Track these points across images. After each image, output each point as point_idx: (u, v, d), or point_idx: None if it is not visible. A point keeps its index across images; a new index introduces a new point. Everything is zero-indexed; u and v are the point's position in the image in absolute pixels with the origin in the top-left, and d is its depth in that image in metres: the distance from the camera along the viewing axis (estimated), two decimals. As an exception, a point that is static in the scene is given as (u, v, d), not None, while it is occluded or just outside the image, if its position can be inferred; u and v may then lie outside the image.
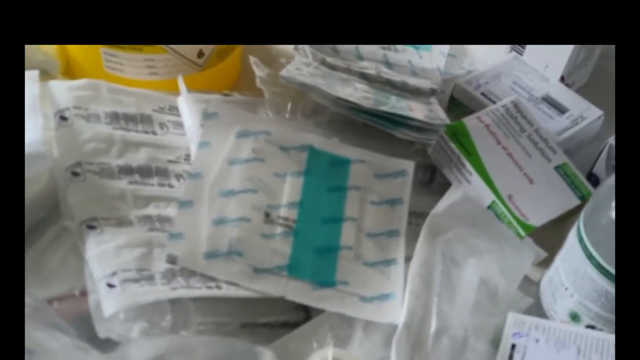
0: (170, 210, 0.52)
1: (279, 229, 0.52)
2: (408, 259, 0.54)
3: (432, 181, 0.63)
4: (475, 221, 0.56)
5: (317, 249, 0.52)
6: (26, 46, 0.63)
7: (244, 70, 0.69)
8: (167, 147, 0.57)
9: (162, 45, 0.61)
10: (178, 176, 0.55)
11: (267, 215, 0.53)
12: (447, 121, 0.61)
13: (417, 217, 0.58)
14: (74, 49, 0.64)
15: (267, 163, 0.55)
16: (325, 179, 0.56)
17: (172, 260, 0.48)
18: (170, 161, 0.56)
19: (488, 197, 0.58)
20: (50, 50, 0.65)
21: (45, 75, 0.65)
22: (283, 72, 0.60)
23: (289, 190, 0.54)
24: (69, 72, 0.67)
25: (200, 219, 0.51)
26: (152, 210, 0.52)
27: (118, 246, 0.47)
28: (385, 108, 0.59)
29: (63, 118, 0.54)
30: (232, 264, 0.49)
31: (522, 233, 0.57)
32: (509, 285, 0.54)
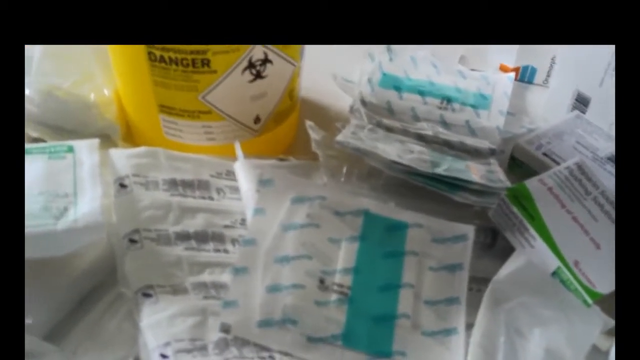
0: (225, 277, 0.51)
1: (333, 296, 0.51)
2: (469, 326, 0.52)
3: (494, 245, 0.61)
4: (539, 288, 0.54)
5: (373, 317, 0.51)
6: (88, 113, 0.66)
7: (300, 134, 0.70)
8: (223, 212, 0.57)
9: (219, 113, 0.62)
10: (234, 241, 0.55)
11: (322, 281, 0.52)
12: (508, 183, 0.60)
13: (478, 282, 0.56)
14: (133, 115, 0.66)
15: (321, 228, 0.54)
16: (381, 244, 0.55)
17: (225, 329, 0.47)
18: (226, 226, 0.56)
19: (553, 263, 0.56)
20: (111, 116, 0.67)
21: (107, 140, 0.67)
22: (338, 137, 0.60)
23: (344, 256, 0.53)
24: (130, 137, 0.69)
25: (255, 285, 0.50)
26: (207, 276, 0.52)
27: (172, 315, 0.47)
28: (441, 171, 0.58)
29: (122, 185, 0.55)
30: (286, 333, 0.48)
31: (589, 301, 0.54)
32: (577, 357, 0.51)
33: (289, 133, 0.71)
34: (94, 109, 0.66)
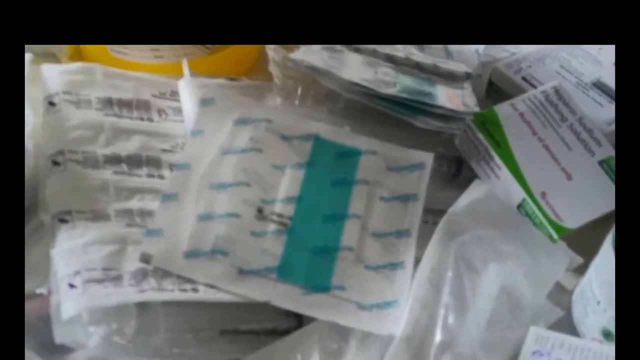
0: (156, 205, 0.47)
1: (271, 226, 0.47)
2: (419, 261, 0.48)
3: (459, 175, 0.56)
4: (499, 222, 0.49)
5: (313, 249, 0.47)
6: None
7: (264, 55, 0.64)
8: (163, 135, 0.53)
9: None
10: (172, 166, 0.51)
11: (260, 210, 0.48)
12: (476, 109, 0.54)
13: (436, 215, 0.52)
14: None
15: (265, 153, 0.50)
16: (330, 171, 0.50)
17: (145, 259, 0.43)
18: (164, 150, 0.52)
19: (518, 194, 0.51)
20: (57, 33, 0.62)
21: (53, 59, 0.62)
22: (292, 55, 0.55)
23: (287, 183, 0.49)
24: (78, 57, 0.64)
25: (185, 214, 0.46)
26: (135, 203, 0.48)
27: (87, 242, 0.43)
28: (397, 92, 0.52)
29: (51, 104, 0.51)
30: (215, 265, 0.44)
31: (555, 236, 0.50)
32: (536, 295, 0.47)
33: (248, 53, 0.65)
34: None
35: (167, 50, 0.59)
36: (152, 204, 0.48)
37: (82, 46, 0.63)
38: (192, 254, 0.45)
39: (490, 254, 0.48)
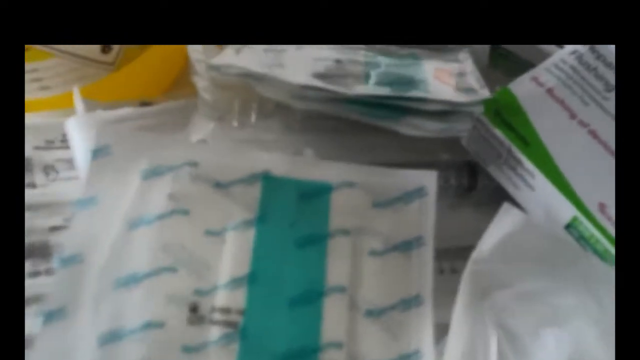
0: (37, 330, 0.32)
1: (213, 332, 0.32)
2: (443, 328, 0.33)
3: (474, 187, 0.41)
4: (546, 261, 0.34)
5: (282, 357, 0.31)
6: None
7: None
8: (51, 206, 0.37)
9: (41, 47, 0.41)
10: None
11: (194, 309, 0.32)
12: (484, 93, 0.38)
13: (453, 257, 0.37)
14: None
15: (193, 216, 0.34)
16: (291, 225, 0.35)
17: None
18: (53, 228, 0.36)
19: (565, 210, 0.36)
20: None
21: None
22: (215, 60, 0.39)
23: (232, 256, 0.33)
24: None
25: (79, 339, 0.31)
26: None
27: None
28: (381, 90, 0.36)
29: None
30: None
31: (631, 269, 0.34)
32: None
33: (170, 61, 0.49)
34: None
35: (53, 78, 0.43)
36: (34, 324, 0.32)
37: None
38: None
39: (542, 316, 0.32)
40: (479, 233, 0.35)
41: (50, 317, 0.31)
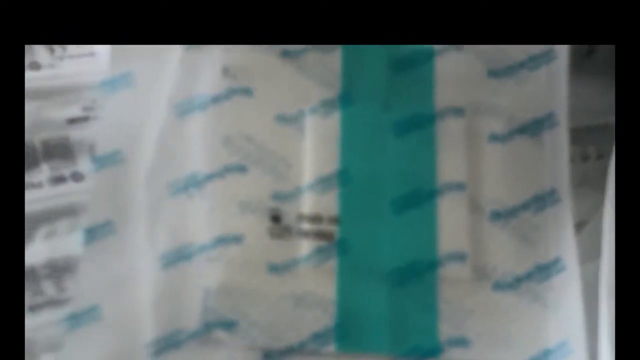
0: (78, 249, 0.24)
1: (304, 247, 0.25)
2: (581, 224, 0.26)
3: (592, 52, 0.32)
4: None
5: (391, 275, 0.24)
6: None
7: None
8: (63, 92, 0.29)
9: None
10: (92, 152, 0.27)
11: (276, 218, 0.25)
12: None
13: (587, 135, 0.29)
14: None
15: (258, 96, 0.26)
16: (386, 105, 0.27)
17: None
18: (71, 120, 0.28)
19: None
20: None
21: None
22: None
23: (314, 148, 0.26)
24: None
25: (134, 261, 0.24)
26: (38, 250, 0.25)
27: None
28: None
29: None
30: (215, 355, 0.23)
31: None
32: None
33: None
34: None
35: None
36: (70, 242, 0.25)
37: None
38: (167, 343, 0.23)
39: None
40: (604, 99, 0.28)
41: (93, 233, 0.24)
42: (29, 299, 0.24)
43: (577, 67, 0.32)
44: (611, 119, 0.27)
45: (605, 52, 0.32)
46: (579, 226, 0.27)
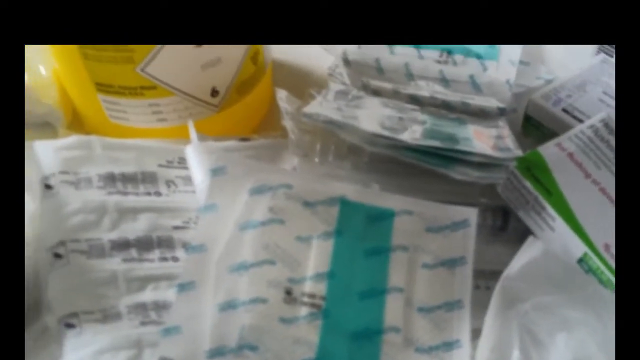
0: (172, 294, 0.42)
1: (303, 310, 0.41)
2: (477, 333, 0.42)
3: (506, 227, 0.50)
4: (561, 283, 0.43)
5: (353, 334, 0.41)
6: (26, 98, 0.56)
7: (276, 107, 0.59)
8: (173, 210, 0.48)
9: (165, 87, 0.52)
10: (185, 245, 0.45)
11: (289, 292, 0.42)
12: (518, 152, 0.48)
13: (488, 277, 0.46)
14: (73, 96, 0.56)
15: (287, 225, 0.44)
16: (362, 239, 0.45)
17: (164, 365, 0.38)
18: (176, 227, 0.47)
19: (578, 248, 0.45)
20: (51, 101, 0.57)
21: (49, 130, 0.57)
22: (306, 109, 0.50)
23: (316, 257, 0.43)
24: (78, 125, 0.59)
25: (204, 305, 0.41)
26: (148, 294, 0.42)
27: (97, 351, 0.38)
28: (436, 142, 0.47)
29: (48, 186, 0.46)
30: (243, 364, 0.39)
31: (626, 295, 0.43)
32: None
33: (259, 106, 0.60)
34: (28, 93, 0.56)
35: (170, 113, 0.54)
36: (168, 293, 0.42)
37: (81, 113, 0.58)
38: (217, 352, 0.39)
39: (556, 323, 0.42)
40: (508, 261, 0.45)
41: (183, 287, 0.41)
42: (140, 319, 0.41)
43: (493, 236, 0.50)
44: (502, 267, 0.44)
45: (514, 228, 0.49)
46: (477, 332, 0.43)
